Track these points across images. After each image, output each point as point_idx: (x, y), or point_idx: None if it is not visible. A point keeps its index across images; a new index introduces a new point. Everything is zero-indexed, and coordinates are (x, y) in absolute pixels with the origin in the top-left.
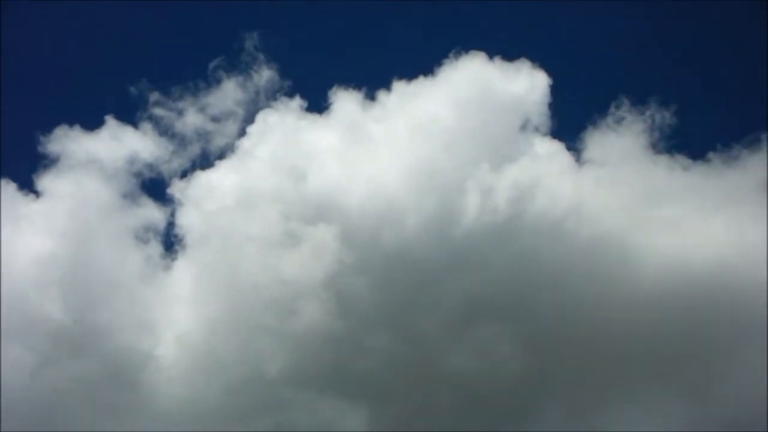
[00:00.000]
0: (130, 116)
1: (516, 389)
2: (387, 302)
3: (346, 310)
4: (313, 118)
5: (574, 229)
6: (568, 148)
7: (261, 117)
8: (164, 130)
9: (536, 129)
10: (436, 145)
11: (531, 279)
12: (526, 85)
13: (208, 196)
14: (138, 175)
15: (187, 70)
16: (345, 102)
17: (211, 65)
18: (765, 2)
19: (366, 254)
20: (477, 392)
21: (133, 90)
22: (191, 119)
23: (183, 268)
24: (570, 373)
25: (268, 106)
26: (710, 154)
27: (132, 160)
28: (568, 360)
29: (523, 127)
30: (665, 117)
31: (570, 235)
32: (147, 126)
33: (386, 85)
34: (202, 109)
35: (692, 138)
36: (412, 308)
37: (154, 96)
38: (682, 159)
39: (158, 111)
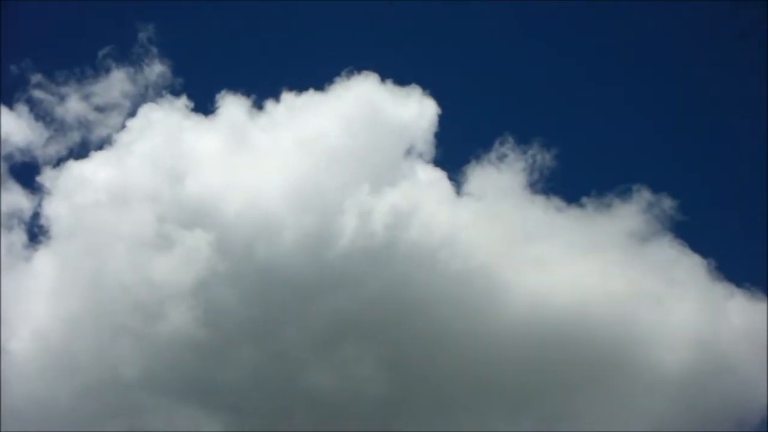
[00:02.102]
0: (6, 96)
1: (375, 411)
2: (255, 315)
3: (213, 319)
4: (198, 119)
5: (447, 259)
6: (450, 179)
7: (143, 112)
8: (42, 115)
9: (420, 156)
10: (320, 161)
11: (401, 304)
12: (415, 111)
13: (80, 188)
14: (8, 158)
15: (76, 56)
16: (232, 107)
17: (101, 53)
18: None
19: (239, 265)
20: (336, 411)
21: (14, 69)
22: (73, 106)
23: (46, 261)
24: (430, 400)
25: (153, 102)
26: (584, 200)
27: (2, 142)
28: (429, 387)
29: (408, 152)
30: (546, 159)
31: (442, 265)
32: (23, 108)
33: (275, 95)
34: (85, 97)
35: (569, 182)
36: (280, 323)
37: (36, 78)
38: (557, 201)
39: (38, 94)
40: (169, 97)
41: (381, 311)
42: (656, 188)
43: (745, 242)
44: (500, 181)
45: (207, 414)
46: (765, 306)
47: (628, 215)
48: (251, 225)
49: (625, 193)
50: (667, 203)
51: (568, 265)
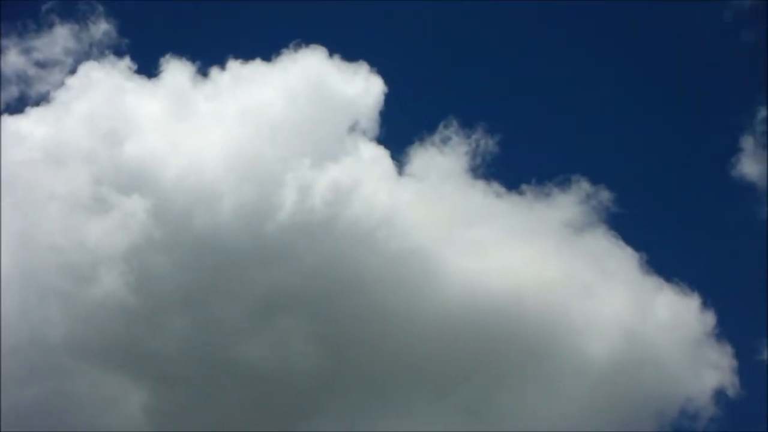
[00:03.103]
0: None
1: (306, 385)
2: (189, 284)
3: (146, 286)
4: (141, 82)
5: (385, 238)
6: (392, 158)
7: (84, 70)
8: None
9: (364, 133)
10: (262, 132)
11: (337, 280)
12: (362, 88)
13: (14, 144)
14: None
15: (19, 9)
16: (176, 72)
17: (45, 7)
18: None
19: (175, 232)
20: (267, 384)
21: None
22: (12, 60)
23: None
24: (361, 377)
25: (96, 61)
26: (524, 187)
27: None
28: (361, 364)
29: (352, 129)
30: (489, 144)
31: (381, 244)
32: None
33: (221, 63)
34: (26, 52)
35: (510, 169)
36: (214, 293)
37: None
38: (497, 187)
39: None
40: (112, 57)
41: (317, 286)
42: (595, 180)
43: (676, 239)
44: (442, 163)
45: (133, 381)
46: (691, 301)
47: (566, 205)
48: (190, 193)
49: (564, 183)
50: (605, 195)
51: (505, 251)
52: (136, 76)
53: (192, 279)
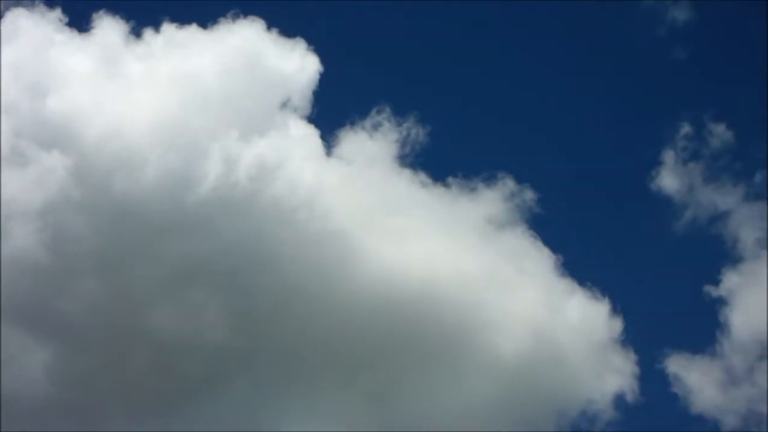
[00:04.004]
0: None
1: (214, 358)
2: (104, 247)
3: (59, 245)
4: (71, 35)
5: (307, 219)
6: (322, 138)
7: (11, 17)
8: None
9: (295, 110)
10: (192, 100)
11: (254, 256)
12: (297, 65)
13: None
14: None
15: None
16: (108, 29)
17: None
18: None
19: (94, 194)
20: (173, 355)
21: None
22: None
23: None
24: (270, 355)
25: (24, 8)
26: (450, 179)
27: None
28: (271, 342)
29: (283, 105)
30: (419, 134)
31: (301, 224)
32: None
33: (155, 25)
34: None
35: (438, 160)
36: (129, 259)
37: None
38: (423, 177)
39: None
40: (41, 6)
41: (233, 261)
42: (520, 179)
43: (592, 244)
44: (371, 148)
45: (38, 341)
46: (601, 307)
47: (490, 201)
48: (112, 155)
49: (490, 180)
50: (528, 195)
51: (425, 242)
52: (67, 29)
53: (107, 242)
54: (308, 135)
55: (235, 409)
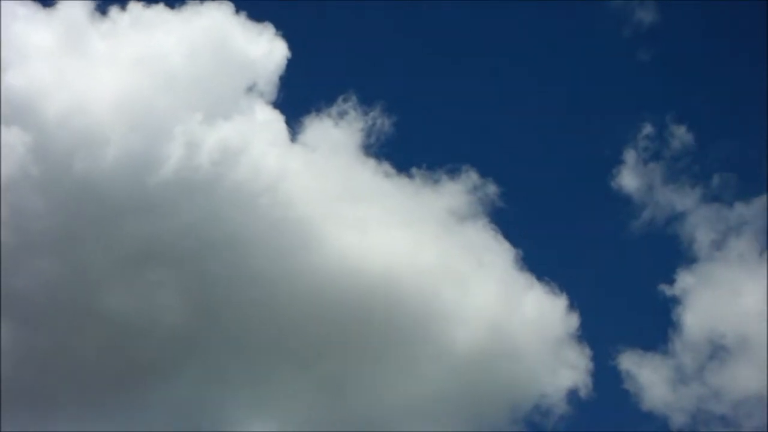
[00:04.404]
0: None
1: (169, 340)
2: (61, 226)
3: (15, 222)
4: (34, 9)
5: (268, 204)
6: (287, 124)
7: None
8: None
9: (261, 95)
10: (156, 81)
11: (214, 241)
12: (264, 49)
13: None
14: None
15: None
16: (73, 5)
17: None
18: None
19: (53, 172)
20: (128, 336)
21: None
22: None
23: None
24: (226, 339)
25: None
26: (414, 170)
27: None
28: (227, 327)
29: (249, 89)
30: (385, 124)
31: (263, 210)
32: None
33: (122, 2)
34: None
35: (403, 151)
36: (86, 239)
37: None
38: (387, 167)
39: None
40: None
41: (192, 244)
42: (484, 173)
43: (552, 240)
44: (336, 136)
45: None
46: (559, 302)
47: (453, 194)
48: (73, 133)
49: (453, 172)
50: (491, 189)
51: (386, 232)
52: (30, 3)
53: (65, 221)
54: (273, 120)
55: (188, 393)
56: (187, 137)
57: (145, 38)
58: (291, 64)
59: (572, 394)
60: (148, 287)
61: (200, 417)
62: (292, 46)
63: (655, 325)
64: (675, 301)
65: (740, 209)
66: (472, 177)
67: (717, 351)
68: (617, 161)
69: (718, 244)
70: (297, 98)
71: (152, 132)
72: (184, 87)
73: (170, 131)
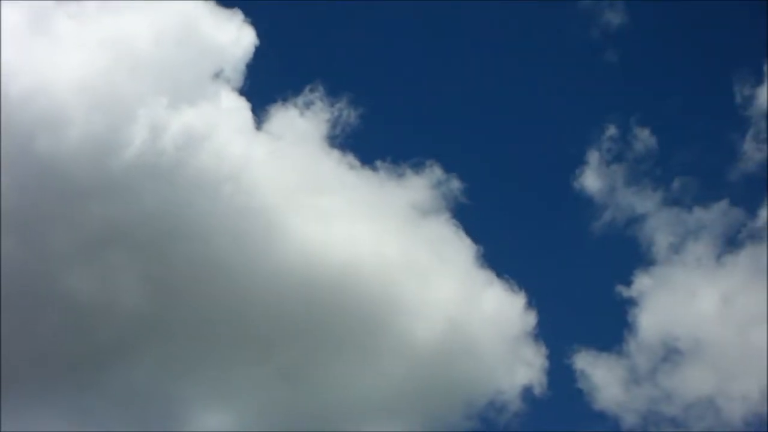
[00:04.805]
0: None
1: (129, 324)
2: (22, 206)
3: None
4: None
5: (232, 192)
6: (252, 112)
7: None
8: None
9: (228, 82)
10: (122, 62)
11: (176, 226)
12: (233, 36)
13: None
14: None
15: None
16: None
17: None
18: None
19: (15, 152)
20: (86, 319)
21: None
22: None
23: None
24: (187, 325)
25: None
26: (378, 163)
27: None
28: (186, 313)
29: (216, 76)
30: (351, 116)
31: (226, 197)
32: None
33: None
34: None
35: (368, 143)
36: (48, 220)
37: None
38: (352, 159)
39: None
40: None
41: (154, 228)
42: (448, 168)
43: (513, 238)
44: (302, 126)
45: None
46: (517, 300)
47: (416, 188)
48: (36, 113)
49: (418, 166)
50: (455, 185)
51: (348, 224)
52: None
53: (26, 202)
54: (239, 107)
55: (146, 378)
56: (151, 121)
57: (112, 20)
58: (259, 52)
59: (527, 392)
60: (109, 270)
61: (157, 402)
62: (260, 34)
63: (611, 326)
64: (631, 302)
65: (699, 214)
66: (436, 172)
67: (670, 353)
68: (581, 161)
69: (677, 248)
70: (263, 86)
71: (116, 114)
72: (150, 71)
73: (134, 114)
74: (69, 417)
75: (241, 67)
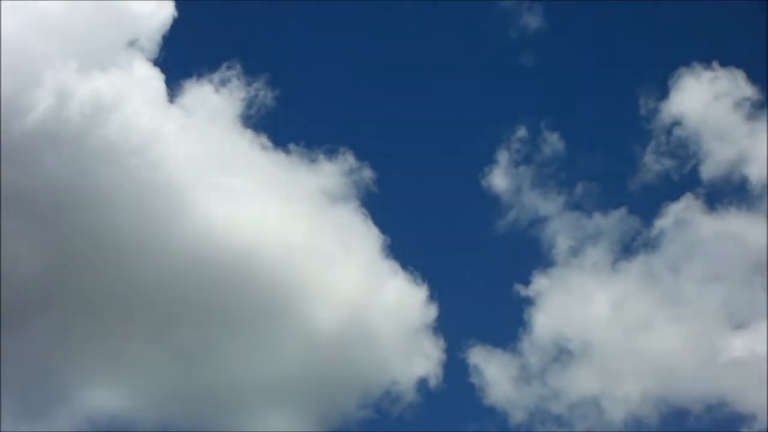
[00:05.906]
0: None
1: (23, 292)
2: None
3: None
4: None
5: (138, 165)
6: (166, 84)
7: None
8: None
9: (142, 51)
10: (31, 23)
11: (77, 196)
12: (151, 7)
13: None
14: None
15: None
16: None
17: None
18: None
19: None
20: None
21: None
22: None
23: None
24: (79, 298)
25: None
26: (292, 147)
27: None
28: (82, 285)
29: (131, 44)
30: (268, 97)
31: (132, 170)
32: None
33: None
34: None
35: (282, 125)
36: None
37: None
38: (264, 140)
39: None
40: None
41: (55, 197)
42: (361, 157)
43: (419, 230)
44: (216, 103)
45: None
46: (419, 292)
47: (328, 174)
48: None
49: (331, 152)
50: (367, 174)
51: (256, 205)
52: None
53: None
54: (152, 78)
55: (37, 349)
56: (58, 85)
57: None
58: (177, 24)
59: (422, 383)
60: (4, 236)
61: (47, 374)
62: (179, 6)
63: (507, 323)
64: (528, 301)
65: (598, 220)
66: (349, 160)
67: (561, 354)
68: (490, 160)
69: (575, 251)
70: (179, 59)
71: (21, 76)
72: (61, 33)
73: (40, 77)
74: None
75: (158, 38)
